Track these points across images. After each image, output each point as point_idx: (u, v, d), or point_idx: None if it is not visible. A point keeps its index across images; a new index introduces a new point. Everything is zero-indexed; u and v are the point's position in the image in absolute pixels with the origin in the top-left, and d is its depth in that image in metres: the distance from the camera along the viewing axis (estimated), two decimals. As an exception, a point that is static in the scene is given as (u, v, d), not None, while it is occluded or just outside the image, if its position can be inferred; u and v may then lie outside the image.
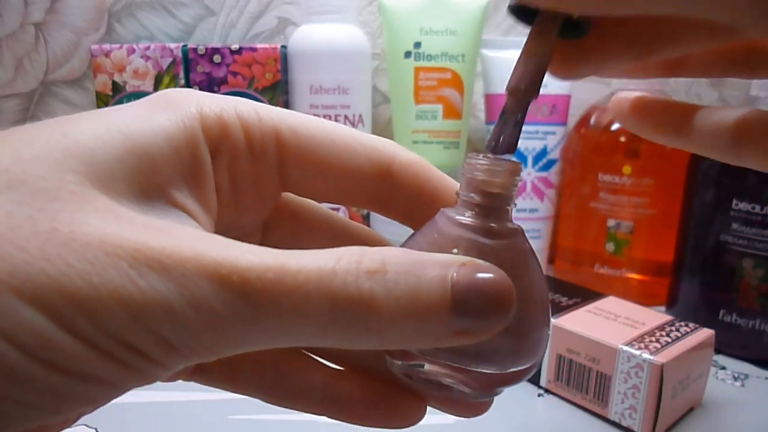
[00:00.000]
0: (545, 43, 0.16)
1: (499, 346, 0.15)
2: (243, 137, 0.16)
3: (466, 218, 0.15)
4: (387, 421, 0.18)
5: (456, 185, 0.17)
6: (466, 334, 0.13)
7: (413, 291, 0.12)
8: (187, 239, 0.12)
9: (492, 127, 0.16)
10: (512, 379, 0.16)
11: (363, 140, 0.17)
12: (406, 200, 0.18)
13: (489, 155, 0.16)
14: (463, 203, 0.16)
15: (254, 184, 0.17)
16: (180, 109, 0.15)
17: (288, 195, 0.19)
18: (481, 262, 0.13)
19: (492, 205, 0.16)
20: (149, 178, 0.14)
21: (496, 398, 0.17)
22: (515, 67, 0.16)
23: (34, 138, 0.13)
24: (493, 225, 0.15)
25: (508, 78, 0.16)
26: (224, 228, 0.17)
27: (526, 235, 0.16)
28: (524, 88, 0.15)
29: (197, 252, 0.12)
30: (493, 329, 0.13)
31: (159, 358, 0.12)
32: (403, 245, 0.16)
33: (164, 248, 0.12)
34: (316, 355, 0.19)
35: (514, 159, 0.16)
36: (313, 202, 0.20)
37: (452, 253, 0.15)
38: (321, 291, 0.12)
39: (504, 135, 0.16)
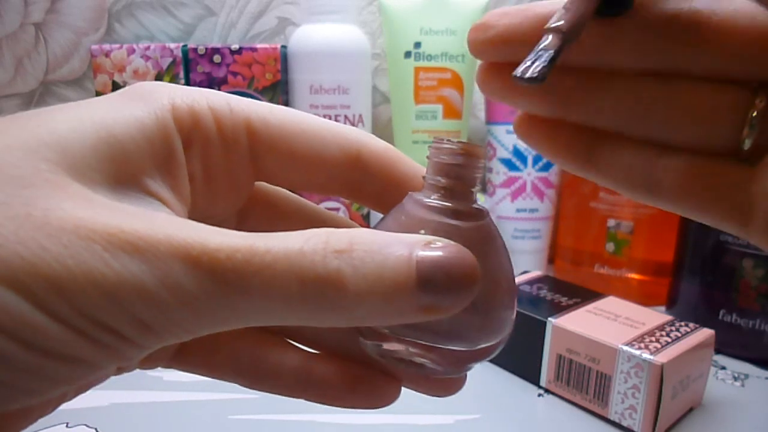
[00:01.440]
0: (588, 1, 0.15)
1: (467, 324, 0.15)
2: (215, 127, 0.16)
3: (433, 200, 0.16)
4: (363, 401, 0.18)
5: (424, 170, 0.18)
6: (431, 310, 0.13)
7: (379, 269, 0.13)
8: (159, 223, 0.13)
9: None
10: (480, 356, 0.16)
11: (333, 129, 0.18)
12: (377, 186, 0.18)
13: (453, 139, 0.16)
14: (429, 186, 0.16)
15: (227, 173, 0.17)
16: (153, 100, 0.15)
17: (262, 184, 0.19)
18: (446, 240, 0.14)
19: (456, 188, 0.16)
20: (122, 167, 0.14)
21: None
22: (558, 12, 0.16)
23: (8, 128, 0.13)
24: (458, 206, 0.16)
25: (550, 21, 0.16)
26: (199, 216, 0.17)
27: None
28: (566, 29, 0.15)
29: (169, 234, 0.12)
30: (458, 305, 0.13)
31: (134, 338, 0.12)
32: (373, 228, 0.16)
33: (137, 231, 0.12)
34: (293, 340, 0.20)
35: (478, 143, 0.16)
36: (287, 190, 0.20)
37: (419, 233, 0.15)
38: (289, 270, 0.12)
39: (535, 64, 0.15)
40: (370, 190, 0.18)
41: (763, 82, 0.16)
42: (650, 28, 0.16)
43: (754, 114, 0.16)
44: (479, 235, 0.16)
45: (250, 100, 0.17)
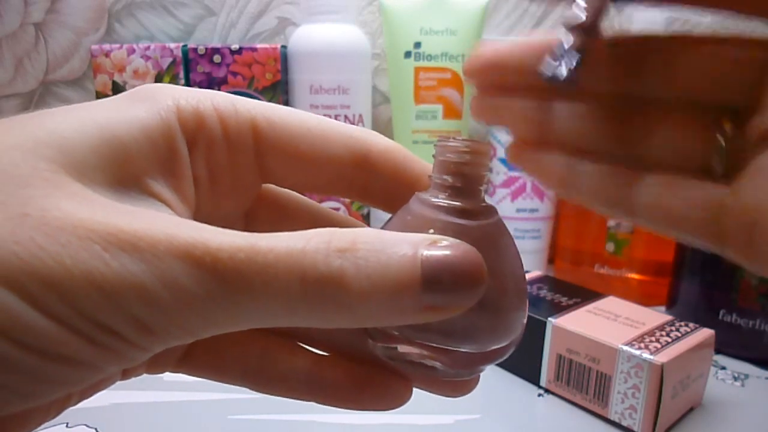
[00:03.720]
0: None
1: (477, 325, 0.15)
2: (220, 128, 0.16)
3: (440, 200, 0.16)
4: (374, 403, 0.18)
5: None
6: (436, 310, 0.13)
7: (383, 268, 0.13)
8: (159, 222, 0.12)
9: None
10: (491, 358, 0.16)
11: (340, 129, 0.17)
12: (385, 187, 0.18)
13: (458, 137, 0.16)
14: (436, 185, 0.16)
15: (232, 174, 0.17)
16: (156, 102, 0.15)
17: (269, 186, 0.19)
18: (451, 239, 0.13)
19: (464, 186, 0.16)
20: (124, 168, 0.14)
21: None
22: (573, 7, 0.15)
23: (10, 129, 0.13)
24: (465, 205, 0.15)
25: (569, 16, 0.16)
26: (205, 218, 0.17)
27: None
28: (587, 25, 0.15)
29: (169, 234, 0.12)
30: (464, 304, 0.13)
31: (135, 340, 0.12)
32: (379, 229, 0.16)
33: (136, 231, 0.12)
34: (302, 342, 0.19)
35: (485, 140, 0.16)
36: (293, 192, 0.20)
37: (427, 233, 0.15)
38: (291, 269, 0.12)
39: (563, 66, 0.15)
40: (378, 190, 0.18)
41: (730, 107, 0.16)
42: (623, 57, 0.17)
43: (723, 137, 0.16)
44: (487, 234, 0.16)
45: (255, 101, 0.17)
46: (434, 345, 0.15)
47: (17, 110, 0.59)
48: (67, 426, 0.31)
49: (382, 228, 0.16)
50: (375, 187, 0.18)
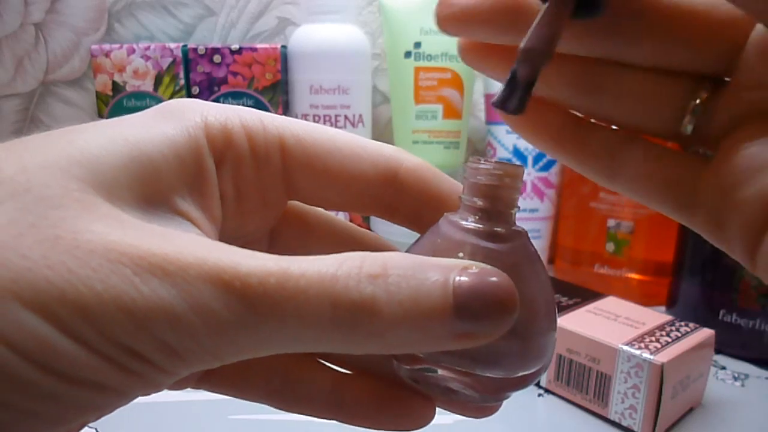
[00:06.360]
0: (561, 12, 0.15)
1: (506, 350, 0.15)
2: (247, 146, 0.16)
3: (470, 223, 0.15)
4: (396, 423, 0.18)
5: (461, 188, 0.17)
6: (468, 337, 0.13)
7: (415, 294, 0.12)
8: (189, 245, 0.12)
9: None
10: (519, 384, 0.15)
11: (368, 147, 0.17)
12: (413, 205, 0.18)
13: (490, 159, 0.16)
14: (466, 207, 0.16)
15: (259, 192, 0.17)
16: (185, 118, 0.15)
17: (294, 203, 0.19)
18: (483, 265, 0.13)
19: (495, 209, 0.16)
20: (153, 186, 0.14)
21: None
22: (529, 31, 0.15)
23: (39, 147, 0.13)
24: (496, 229, 0.15)
25: (523, 40, 0.15)
26: (230, 236, 0.17)
27: (531, 234, 0.16)
28: (538, 50, 0.15)
29: (199, 258, 0.12)
30: (496, 332, 0.13)
31: (162, 365, 0.12)
32: (407, 251, 0.16)
33: (167, 254, 0.12)
34: (324, 360, 0.19)
35: (516, 162, 0.16)
36: (319, 209, 0.20)
37: (457, 257, 0.14)
38: (323, 295, 0.12)
39: (513, 97, 0.15)
40: (405, 208, 0.18)
41: (708, 75, 0.16)
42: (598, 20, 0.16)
43: (697, 102, 0.16)
44: (518, 258, 0.15)
45: (283, 117, 0.17)
46: (461, 369, 0.15)
47: (17, 110, 0.59)
48: (67, 426, 0.31)
49: (411, 249, 0.16)
50: (403, 205, 0.18)
